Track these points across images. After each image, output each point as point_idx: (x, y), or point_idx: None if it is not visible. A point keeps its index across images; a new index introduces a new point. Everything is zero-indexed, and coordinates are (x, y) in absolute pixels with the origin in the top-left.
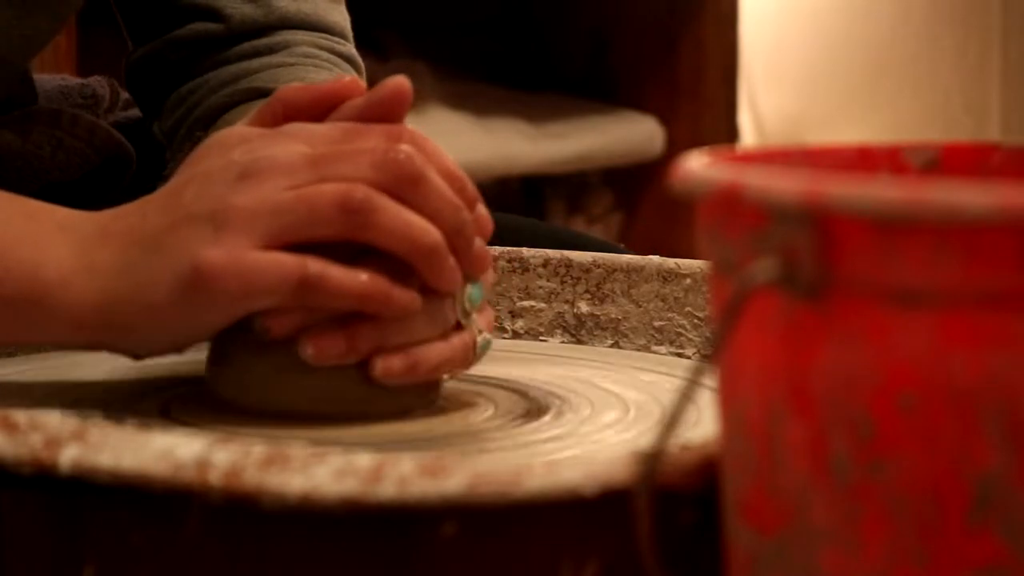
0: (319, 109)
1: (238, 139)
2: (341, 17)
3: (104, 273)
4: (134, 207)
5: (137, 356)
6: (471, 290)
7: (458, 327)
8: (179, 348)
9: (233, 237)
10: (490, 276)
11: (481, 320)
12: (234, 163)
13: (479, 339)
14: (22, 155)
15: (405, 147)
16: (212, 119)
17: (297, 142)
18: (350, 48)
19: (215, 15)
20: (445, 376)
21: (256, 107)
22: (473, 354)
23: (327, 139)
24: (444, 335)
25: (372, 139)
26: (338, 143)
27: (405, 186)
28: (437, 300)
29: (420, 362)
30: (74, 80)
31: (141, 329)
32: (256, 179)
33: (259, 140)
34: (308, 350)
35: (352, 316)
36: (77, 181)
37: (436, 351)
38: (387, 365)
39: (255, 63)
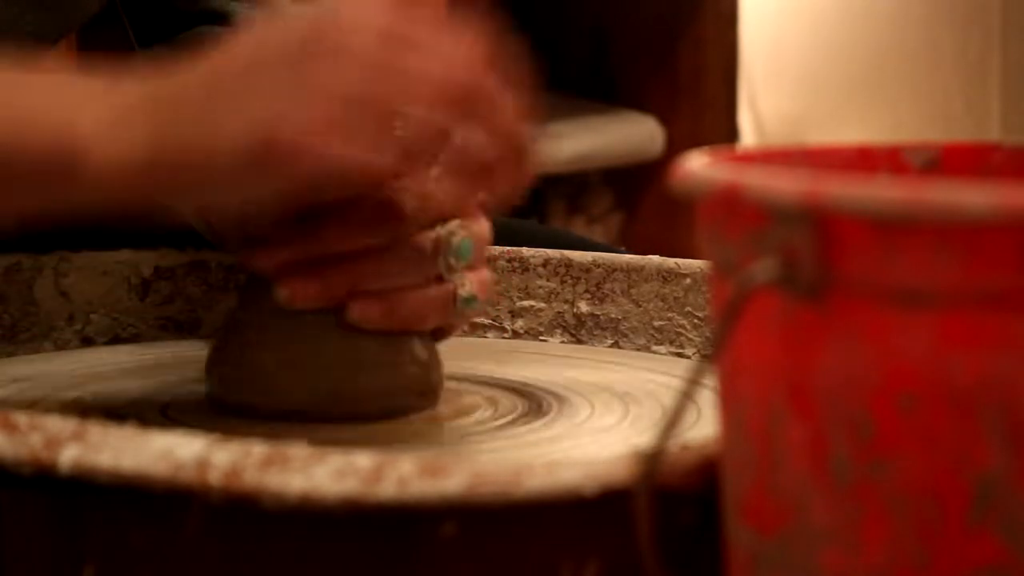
0: None
1: (304, 19)
2: None
3: (154, 120)
4: (194, 63)
5: (172, 223)
6: (457, 243)
7: (441, 280)
8: (220, 218)
9: (315, 116)
10: (485, 228)
11: (473, 278)
12: (307, 39)
13: (462, 293)
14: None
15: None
16: None
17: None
18: None
19: (223, 19)
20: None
21: None
22: (454, 307)
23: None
24: (423, 285)
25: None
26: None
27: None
28: (417, 250)
29: (397, 307)
30: None
31: (191, 188)
32: (333, 59)
33: (329, 18)
34: (283, 292)
35: (327, 261)
36: None
37: (413, 298)
38: (364, 308)
39: None
